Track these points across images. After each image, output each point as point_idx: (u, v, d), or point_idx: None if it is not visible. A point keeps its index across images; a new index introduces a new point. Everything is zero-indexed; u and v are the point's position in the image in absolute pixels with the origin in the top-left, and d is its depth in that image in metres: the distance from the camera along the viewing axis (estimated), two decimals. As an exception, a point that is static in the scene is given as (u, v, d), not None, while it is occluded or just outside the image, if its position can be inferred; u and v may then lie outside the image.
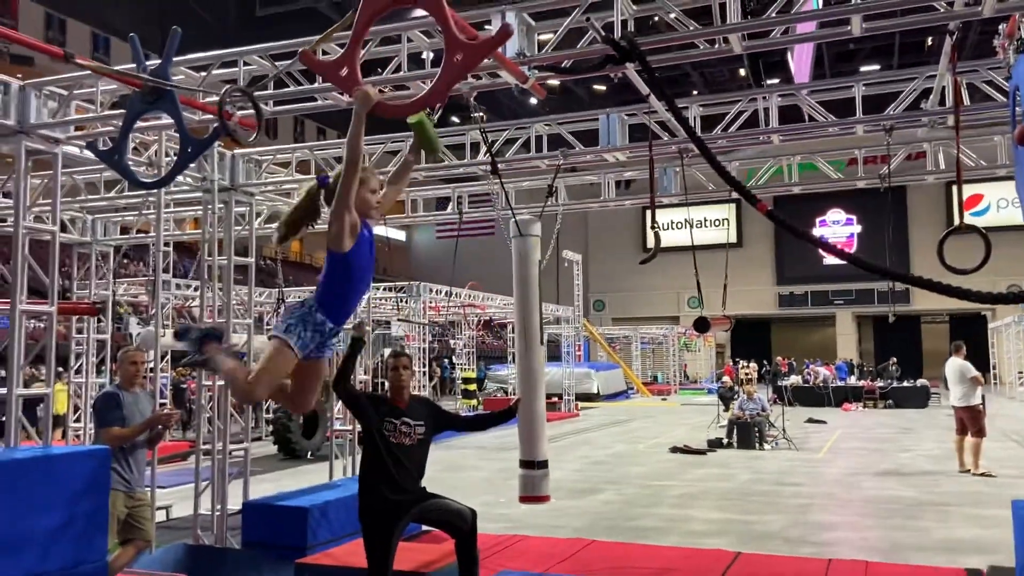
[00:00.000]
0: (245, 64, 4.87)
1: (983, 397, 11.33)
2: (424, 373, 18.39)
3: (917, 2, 3.61)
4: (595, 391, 29.97)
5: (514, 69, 4.12)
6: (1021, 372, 33.99)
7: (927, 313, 43.43)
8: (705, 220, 43.12)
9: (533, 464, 5.22)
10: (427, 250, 50.30)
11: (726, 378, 22.99)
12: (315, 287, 3.40)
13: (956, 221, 4.46)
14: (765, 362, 31.27)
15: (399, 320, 19.73)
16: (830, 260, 43.66)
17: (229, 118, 4.52)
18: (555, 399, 24.81)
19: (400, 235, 52.70)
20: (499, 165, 5.81)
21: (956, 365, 11.35)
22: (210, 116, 4.73)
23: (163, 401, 16.23)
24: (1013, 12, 3.89)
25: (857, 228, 42.80)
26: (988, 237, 4.39)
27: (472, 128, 6.13)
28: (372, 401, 4.76)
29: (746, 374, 20.96)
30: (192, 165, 6.78)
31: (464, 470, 12.90)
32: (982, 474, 11.03)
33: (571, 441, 17.01)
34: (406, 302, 19.63)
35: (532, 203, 8.52)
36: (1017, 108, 3.72)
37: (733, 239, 44.91)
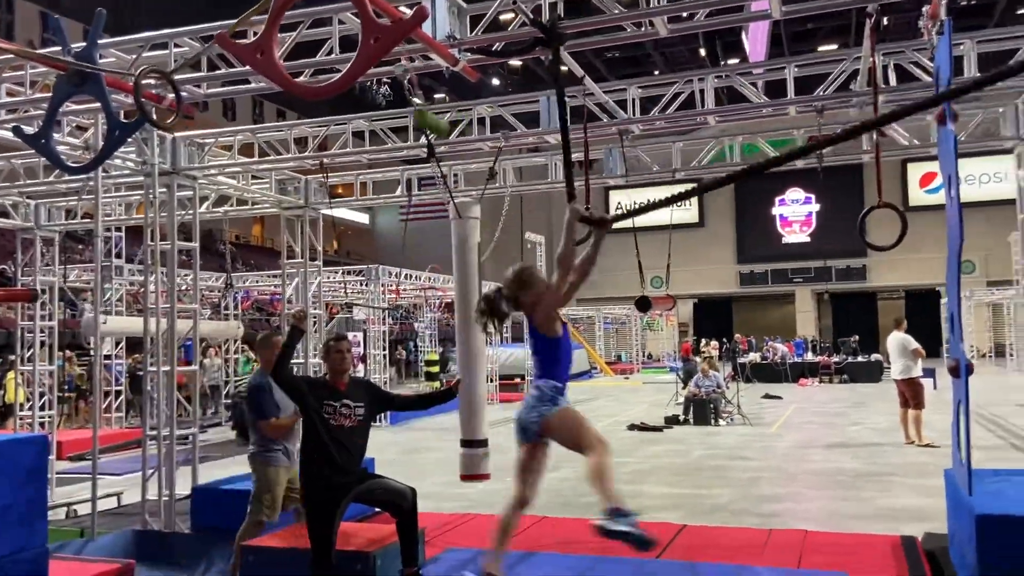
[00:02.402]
0: (176, 46, 4.82)
1: (933, 372, 11.56)
2: (384, 356, 18.33)
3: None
4: (559, 371, 30.13)
5: (443, 51, 4.13)
6: (972, 346, 34.92)
7: (883, 289, 44.32)
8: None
9: (474, 443, 5.29)
10: (392, 233, 50.00)
11: (696, 358, 23.22)
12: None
13: (877, 200, 4.60)
14: (725, 340, 31.71)
15: (351, 303, 19.58)
16: (789, 239, 44.45)
17: (158, 101, 4.50)
18: (517, 380, 24.90)
19: (363, 218, 52.33)
20: (442, 147, 5.82)
21: (898, 339, 11.64)
22: (143, 99, 4.66)
23: None
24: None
25: (816, 206, 43.46)
26: (904, 215, 4.54)
27: (411, 110, 6.12)
28: (311, 385, 4.79)
29: (704, 354, 21.20)
30: (133, 149, 6.71)
31: (423, 451, 12.98)
32: (926, 445, 11.33)
33: (532, 421, 17.12)
34: (365, 285, 19.55)
35: (480, 185, 8.53)
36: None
37: (695, 219, 45.36)
